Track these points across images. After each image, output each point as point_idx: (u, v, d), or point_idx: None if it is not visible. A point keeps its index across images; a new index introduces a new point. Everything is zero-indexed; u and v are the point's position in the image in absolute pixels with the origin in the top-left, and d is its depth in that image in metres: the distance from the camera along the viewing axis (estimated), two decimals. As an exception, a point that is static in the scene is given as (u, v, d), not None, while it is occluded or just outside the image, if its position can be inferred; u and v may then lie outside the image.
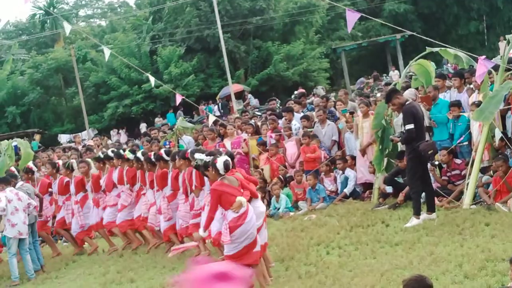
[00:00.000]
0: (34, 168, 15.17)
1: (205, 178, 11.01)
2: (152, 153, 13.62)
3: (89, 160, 15.00)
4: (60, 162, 15.50)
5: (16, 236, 12.59)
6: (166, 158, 12.65)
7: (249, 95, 44.38)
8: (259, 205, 9.49)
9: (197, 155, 10.58)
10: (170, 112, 45.17)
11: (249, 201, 9.08)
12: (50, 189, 15.03)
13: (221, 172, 9.09)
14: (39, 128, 49.25)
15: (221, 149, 12.12)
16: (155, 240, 13.62)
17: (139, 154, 13.55)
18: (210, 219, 9.14)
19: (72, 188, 14.46)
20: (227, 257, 8.85)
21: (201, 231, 9.38)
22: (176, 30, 49.90)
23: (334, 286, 8.39)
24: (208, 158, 9.67)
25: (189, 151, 11.89)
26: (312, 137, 15.07)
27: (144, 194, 13.45)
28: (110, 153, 14.28)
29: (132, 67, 41.95)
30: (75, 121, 52.64)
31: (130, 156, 13.65)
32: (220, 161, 9.13)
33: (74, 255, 14.38)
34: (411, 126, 10.77)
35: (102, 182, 14.21)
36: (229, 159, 9.39)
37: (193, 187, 11.70)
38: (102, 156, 14.48)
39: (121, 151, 14.39)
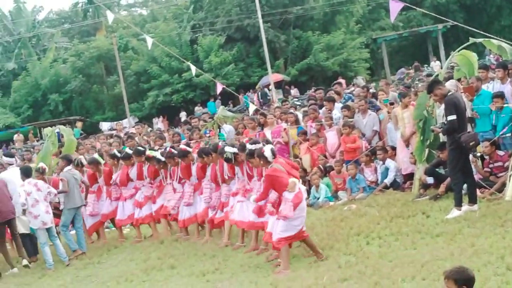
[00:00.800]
0: (45, 167, 14.98)
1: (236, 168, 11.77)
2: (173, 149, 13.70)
3: (96, 158, 14.76)
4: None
5: (40, 227, 12.75)
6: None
7: (265, 89, 44.01)
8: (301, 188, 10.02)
9: (227, 148, 11.27)
10: (211, 101, 45.33)
11: None
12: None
13: (270, 159, 9.85)
14: (80, 116, 49.97)
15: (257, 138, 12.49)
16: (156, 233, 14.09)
17: (158, 155, 13.56)
18: (263, 195, 9.94)
19: (85, 179, 14.47)
20: (287, 238, 9.53)
21: (251, 198, 10.26)
22: (216, 19, 50.07)
23: (374, 276, 8.38)
24: (253, 146, 10.43)
25: (220, 145, 12.41)
26: (353, 127, 15.04)
27: (168, 184, 13.66)
28: (129, 151, 14.31)
29: (173, 56, 42.25)
30: (116, 109, 53.25)
31: (154, 153, 13.74)
32: (267, 150, 9.87)
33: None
34: (453, 117, 10.66)
35: (115, 177, 14.36)
36: (273, 146, 10.23)
37: (226, 177, 12.16)
38: (118, 155, 14.43)
39: (140, 148, 14.43)
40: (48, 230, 12.89)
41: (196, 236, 13.17)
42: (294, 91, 45.02)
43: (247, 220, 11.18)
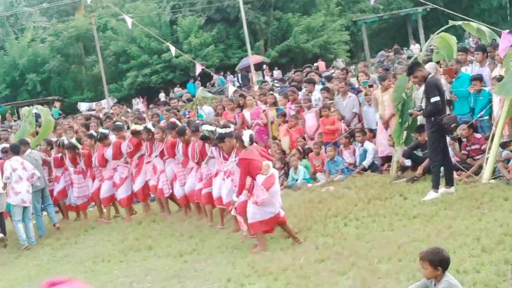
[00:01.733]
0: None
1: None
2: (164, 121, 13.74)
3: (74, 143, 14.68)
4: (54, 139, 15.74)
5: (19, 204, 12.86)
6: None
7: (215, 75, 43.88)
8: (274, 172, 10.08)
9: (204, 126, 11.22)
10: (190, 82, 45.14)
11: None
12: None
13: (246, 144, 9.93)
14: (59, 96, 49.52)
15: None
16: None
17: (149, 125, 13.60)
18: (242, 187, 9.84)
19: (68, 162, 14.68)
20: (258, 223, 9.56)
21: (234, 196, 10.11)
22: (196, 0, 49.72)
23: (351, 257, 8.41)
24: (223, 130, 10.46)
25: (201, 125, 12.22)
26: (332, 109, 15.03)
27: (148, 162, 13.66)
28: (104, 131, 14.47)
29: (152, 37, 41.98)
30: (94, 90, 52.85)
31: (139, 128, 13.73)
32: (246, 134, 10.00)
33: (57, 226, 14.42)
34: (436, 98, 10.61)
35: (94, 159, 14.38)
36: (252, 133, 10.35)
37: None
38: (95, 134, 14.43)
39: (119, 123, 14.56)
40: (24, 209, 12.90)
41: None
42: (277, 73, 44.90)
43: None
